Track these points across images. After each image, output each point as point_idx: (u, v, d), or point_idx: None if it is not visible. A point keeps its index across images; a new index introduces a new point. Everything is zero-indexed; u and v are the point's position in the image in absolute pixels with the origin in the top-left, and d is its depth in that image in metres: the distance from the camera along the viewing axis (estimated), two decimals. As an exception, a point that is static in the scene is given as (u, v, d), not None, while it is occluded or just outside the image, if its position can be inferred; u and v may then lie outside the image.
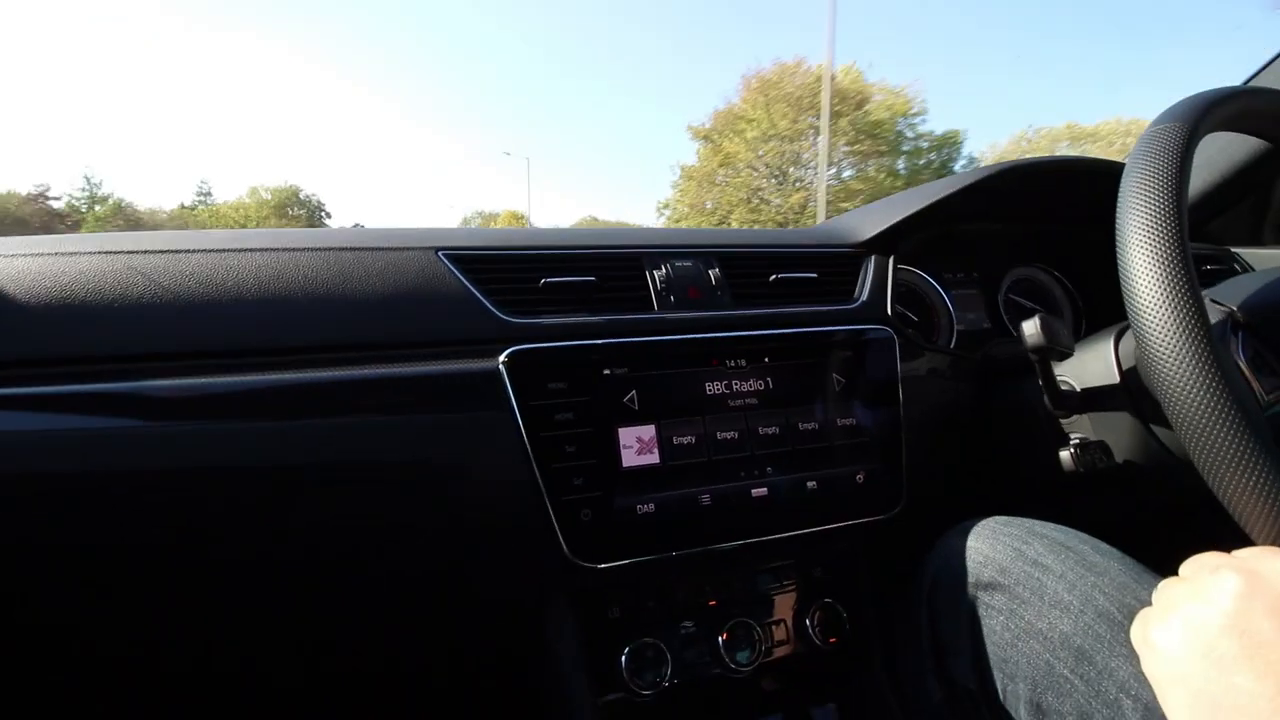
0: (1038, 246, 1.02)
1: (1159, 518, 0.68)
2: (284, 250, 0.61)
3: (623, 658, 0.65)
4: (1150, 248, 0.44)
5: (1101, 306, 1.00)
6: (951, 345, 0.92)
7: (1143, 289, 0.44)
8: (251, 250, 0.61)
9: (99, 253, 0.57)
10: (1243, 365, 0.52)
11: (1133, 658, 0.43)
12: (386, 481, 0.59)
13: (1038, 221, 0.97)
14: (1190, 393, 0.41)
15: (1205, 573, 0.39)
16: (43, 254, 0.56)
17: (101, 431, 0.53)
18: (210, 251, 0.60)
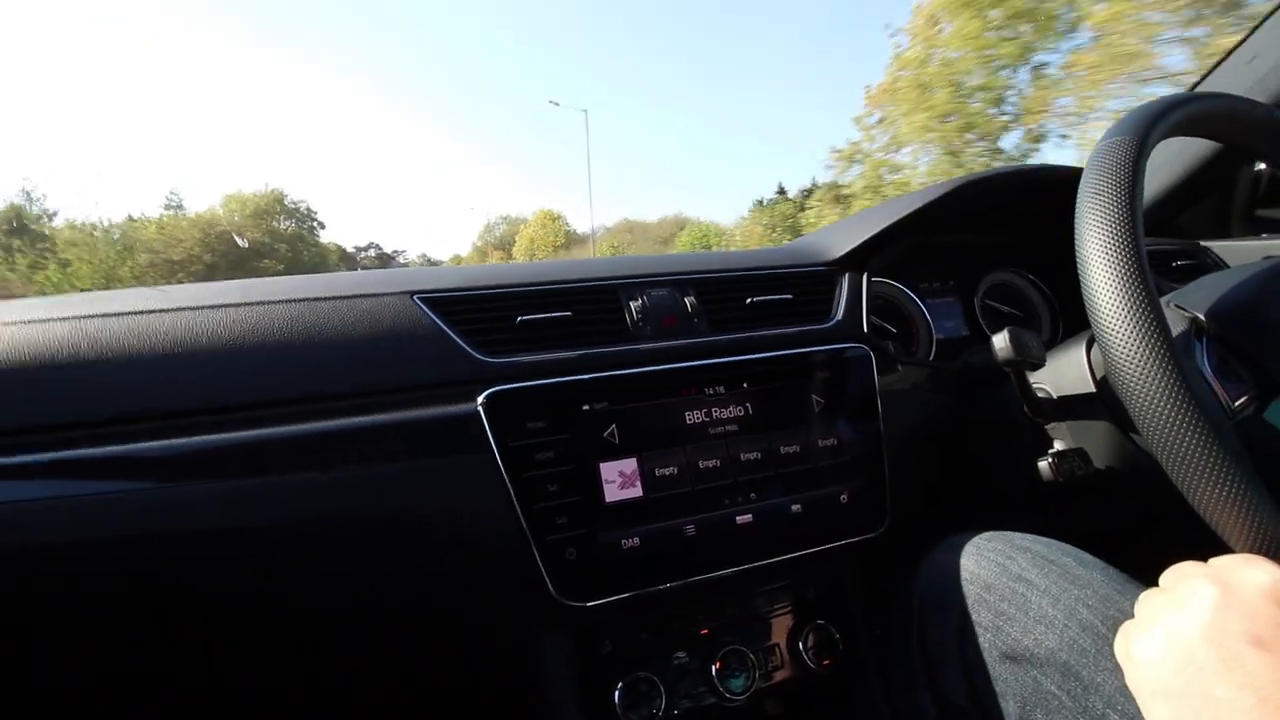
0: (1012, 252, 1.03)
1: (1142, 523, 0.68)
2: (257, 304, 0.61)
3: (616, 693, 0.64)
4: (1108, 263, 0.45)
5: (1076, 307, 1.01)
6: (931, 355, 0.93)
7: (1103, 303, 0.45)
8: (224, 306, 0.61)
9: (70, 318, 0.57)
10: (1208, 373, 0.53)
11: (1118, 671, 0.43)
12: (370, 530, 0.59)
13: (1009, 230, 0.98)
14: (1156, 405, 0.42)
15: (1184, 583, 0.40)
16: (12, 322, 0.56)
17: (76, 498, 0.52)
18: (183, 310, 0.60)
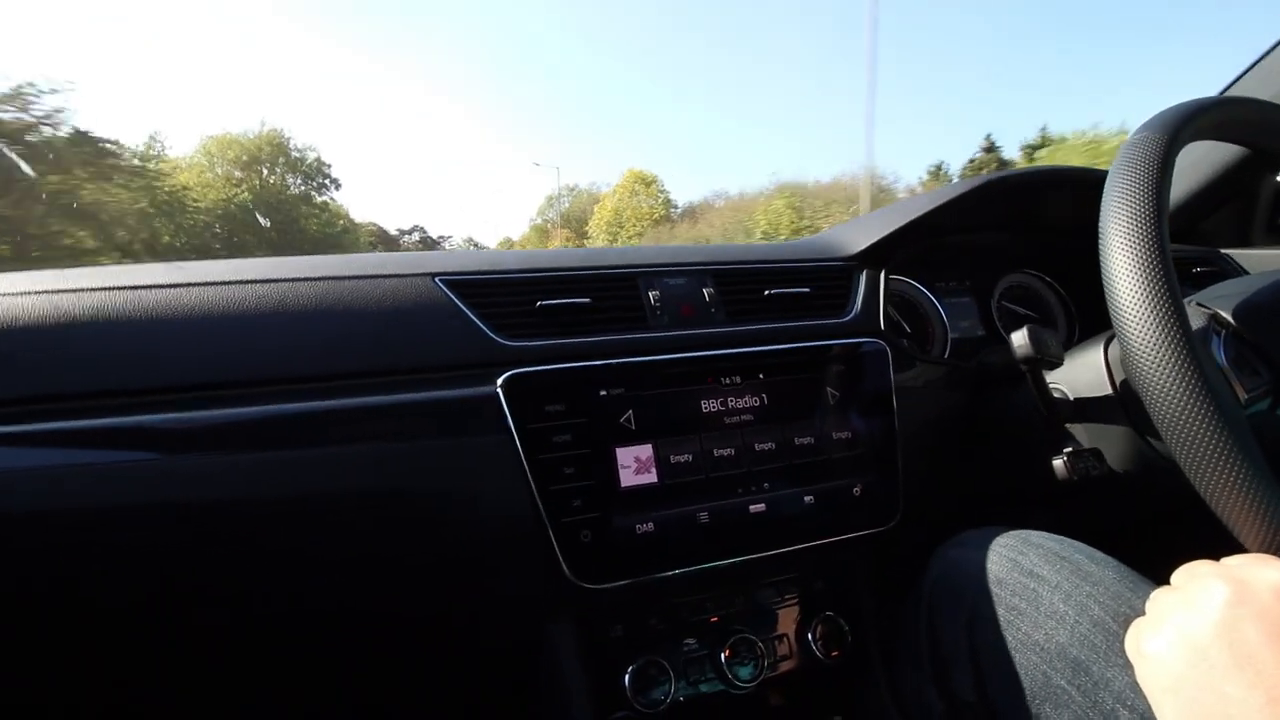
0: (1029, 253, 1.03)
1: (1154, 521, 0.68)
2: (283, 281, 0.62)
3: (626, 677, 0.65)
4: (1131, 254, 0.45)
5: (1093, 312, 1.01)
6: (945, 354, 0.93)
7: (1124, 293, 0.45)
8: (252, 282, 0.62)
9: (102, 289, 0.58)
10: (1225, 366, 0.53)
11: (1128, 668, 0.44)
12: (387, 508, 0.60)
13: (1028, 230, 0.98)
14: (1171, 395, 0.42)
15: (1196, 581, 0.40)
16: (46, 291, 0.57)
17: (100, 467, 0.53)
18: (206, 285, 0.60)
